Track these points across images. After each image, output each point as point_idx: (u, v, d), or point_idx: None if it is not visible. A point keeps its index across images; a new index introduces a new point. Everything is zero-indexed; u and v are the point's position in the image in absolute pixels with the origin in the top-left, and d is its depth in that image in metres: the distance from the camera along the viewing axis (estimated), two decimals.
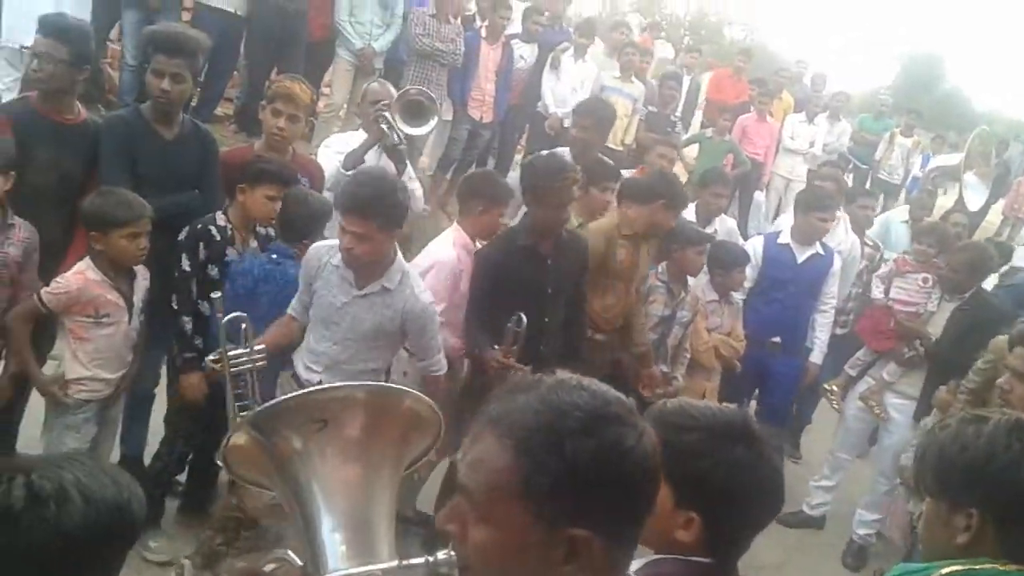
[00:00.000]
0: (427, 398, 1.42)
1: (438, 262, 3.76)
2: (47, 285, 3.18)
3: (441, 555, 1.16)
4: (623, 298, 4.32)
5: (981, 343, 4.14)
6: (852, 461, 5.33)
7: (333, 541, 1.30)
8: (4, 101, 3.46)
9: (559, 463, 1.05)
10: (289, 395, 1.37)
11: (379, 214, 3.04)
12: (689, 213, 5.50)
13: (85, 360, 3.20)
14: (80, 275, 3.17)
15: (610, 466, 1.06)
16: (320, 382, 3.15)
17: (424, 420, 1.40)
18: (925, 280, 4.91)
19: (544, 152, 4.38)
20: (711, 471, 1.47)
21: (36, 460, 1.43)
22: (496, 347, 3.65)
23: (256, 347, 3.09)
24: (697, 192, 5.59)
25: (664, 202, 4.30)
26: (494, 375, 3.56)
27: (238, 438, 1.37)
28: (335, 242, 3.22)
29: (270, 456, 1.36)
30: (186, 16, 6.38)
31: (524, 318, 3.61)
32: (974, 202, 8.71)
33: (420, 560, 1.21)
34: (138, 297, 3.34)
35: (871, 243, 5.95)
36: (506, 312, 3.64)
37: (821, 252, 5.14)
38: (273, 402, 1.37)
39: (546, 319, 3.78)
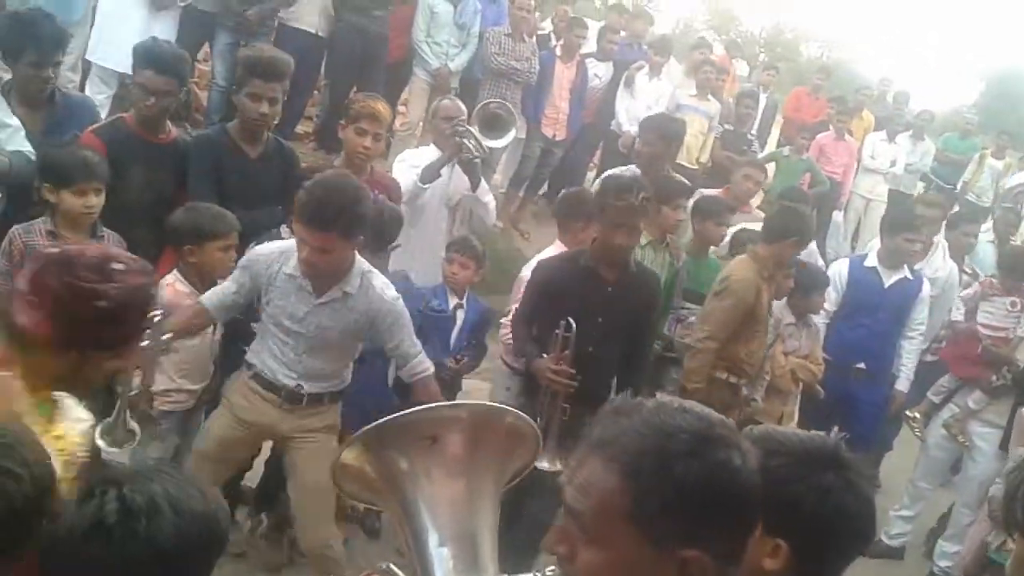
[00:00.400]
0: (526, 415, 1.45)
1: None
2: None
3: (549, 571, 1.19)
4: (763, 341, 4.33)
5: None
6: (933, 491, 5.14)
7: (440, 556, 1.34)
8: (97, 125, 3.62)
9: (668, 485, 1.07)
10: (399, 413, 1.40)
11: (341, 225, 2.88)
12: None
13: (171, 371, 3.28)
14: (170, 287, 3.28)
15: (718, 487, 1.08)
16: (299, 386, 3.14)
17: (523, 435, 1.44)
18: (1013, 304, 4.73)
19: (616, 169, 4.31)
20: (801, 497, 1.44)
21: (127, 473, 1.43)
22: (544, 355, 3.52)
23: (164, 336, 2.94)
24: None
25: (796, 239, 4.28)
26: (547, 385, 3.46)
27: (348, 455, 1.41)
28: (284, 246, 3.10)
29: (379, 473, 1.40)
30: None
31: (573, 324, 3.41)
32: None
33: (528, 575, 1.25)
34: None
35: (970, 271, 5.76)
36: (552, 330, 3.47)
37: (909, 277, 4.98)
38: (384, 420, 1.40)
39: (590, 349, 3.49)
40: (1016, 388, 4.56)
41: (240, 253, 3.43)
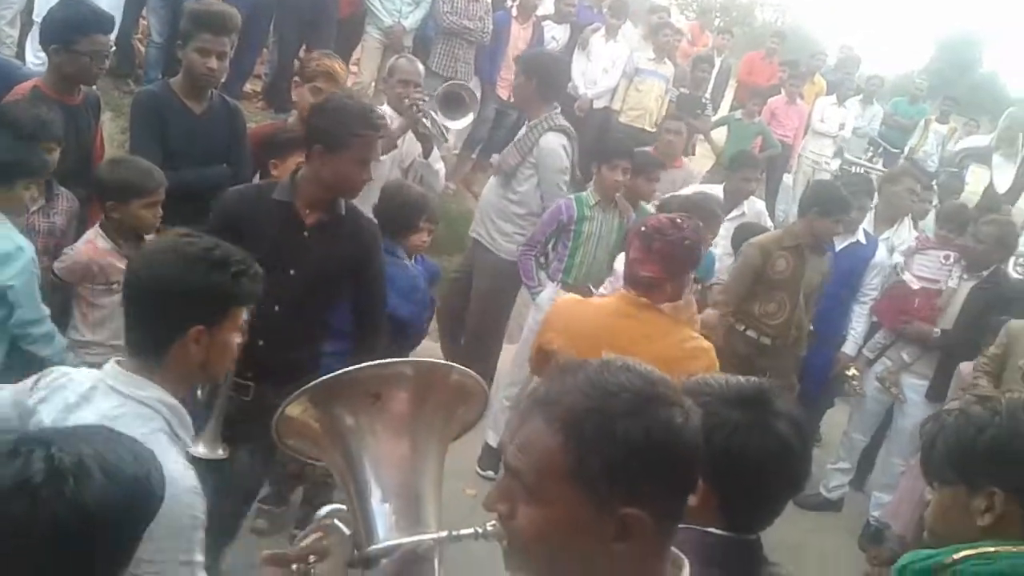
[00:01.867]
0: (473, 372, 1.45)
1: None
2: None
3: (490, 526, 1.19)
4: (786, 307, 4.45)
5: (998, 323, 4.21)
6: (866, 442, 5.30)
7: (383, 511, 1.34)
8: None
9: (610, 444, 1.08)
10: (344, 369, 1.40)
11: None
12: (718, 194, 5.51)
13: (94, 325, 3.23)
14: (90, 244, 3.21)
15: (660, 445, 1.09)
16: None
17: (469, 392, 1.44)
18: (947, 257, 4.85)
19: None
20: (709, 433, 1.43)
21: (57, 432, 1.39)
22: None
23: None
24: (727, 175, 5.56)
25: (816, 210, 4.51)
26: None
27: (292, 409, 1.40)
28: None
29: (323, 428, 1.39)
30: None
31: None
32: (1003, 183, 8.58)
33: (469, 531, 1.24)
34: None
35: (919, 232, 5.90)
36: None
37: (862, 241, 5.08)
38: (329, 376, 1.40)
39: (277, 308, 2.83)
40: (942, 340, 4.74)
41: (187, 212, 3.38)
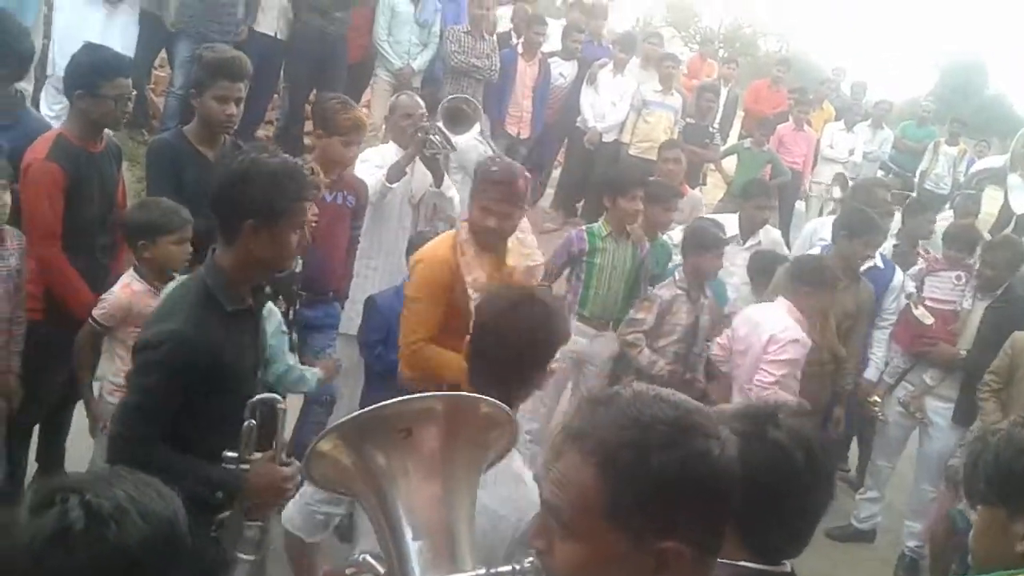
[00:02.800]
0: (500, 403, 1.44)
1: None
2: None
3: (527, 563, 1.17)
4: (825, 332, 4.36)
5: None
6: (893, 468, 5.21)
7: (417, 550, 1.32)
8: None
9: (645, 478, 1.06)
10: (375, 405, 1.38)
11: None
12: (732, 225, 5.49)
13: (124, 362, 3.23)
14: (127, 288, 3.25)
15: (696, 477, 1.07)
16: None
17: (498, 424, 1.43)
18: (959, 278, 4.80)
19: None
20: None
21: (84, 478, 1.40)
22: None
23: None
24: (740, 204, 5.55)
25: (844, 233, 4.54)
26: None
27: (323, 445, 1.39)
28: None
29: (354, 467, 1.38)
30: None
31: None
32: (1019, 204, 8.54)
33: (507, 568, 1.23)
34: None
35: (924, 251, 5.86)
36: None
37: (880, 265, 5.04)
38: (360, 412, 1.39)
39: None
40: (963, 362, 4.67)
41: (202, 258, 3.41)
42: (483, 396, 1.48)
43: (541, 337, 2.15)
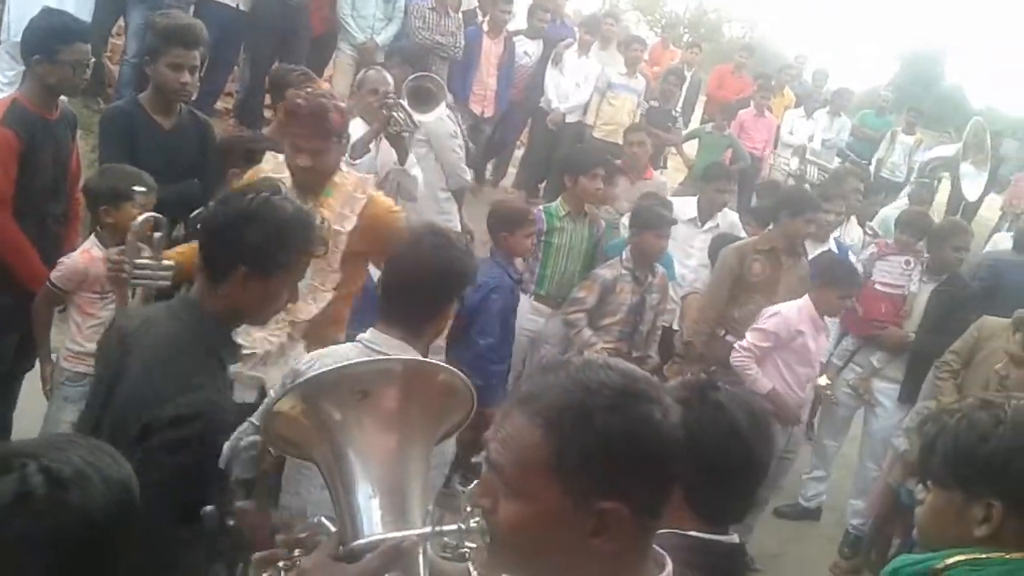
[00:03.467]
0: (460, 373, 1.46)
1: None
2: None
3: (473, 522, 1.19)
4: (759, 307, 4.46)
5: (960, 322, 4.32)
6: (838, 448, 5.34)
7: (369, 507, 1.35)
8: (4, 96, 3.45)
9: (589, 439, 1.09)
10: (333, 366, 1.42)
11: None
12: (691, 207, 5.56)
13: (89, 334, 3.21)
14: (86, 253, 3.22)
15: (638, 440, 1.10)
16: None
17: (456, 392, 1.45)
18: (907, 263, 4.93)
19: None
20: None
21: (38, 443, 1.39)
22: None
23: (165, 262, 2.83)
24: (700, 187, 5.61)
25: (786, 211, 4.61)
26: None
27: (283, 404, 1.41)
28: None
29: (311, 423, 1.40)
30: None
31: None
32: (972, 192, 8.73)
33: (453, 527, 1.26)
34: None
35: (871, 231, 5.99)
36: None
37: (834, 249, 5.14)
38: (317, 372, 1.42)
39: None
40: (914, 348, 4.80)
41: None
42: (442, 364, 1.51)
43: (445, 269, 2.26)
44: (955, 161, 8.36)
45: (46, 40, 3.32)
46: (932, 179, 8.91)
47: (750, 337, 4.32)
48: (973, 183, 8.42)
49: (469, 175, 5.60)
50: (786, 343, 4.31)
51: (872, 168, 10.19)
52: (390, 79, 4.66)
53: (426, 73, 4.87)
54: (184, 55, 3.50)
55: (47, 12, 3.50)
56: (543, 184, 8.42)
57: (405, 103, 4.40)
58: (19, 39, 5.34)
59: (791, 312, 4.33)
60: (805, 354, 4.34)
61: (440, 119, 4.83)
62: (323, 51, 7.11)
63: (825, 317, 4.45)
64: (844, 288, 4.35)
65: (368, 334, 2.26)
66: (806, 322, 4.31)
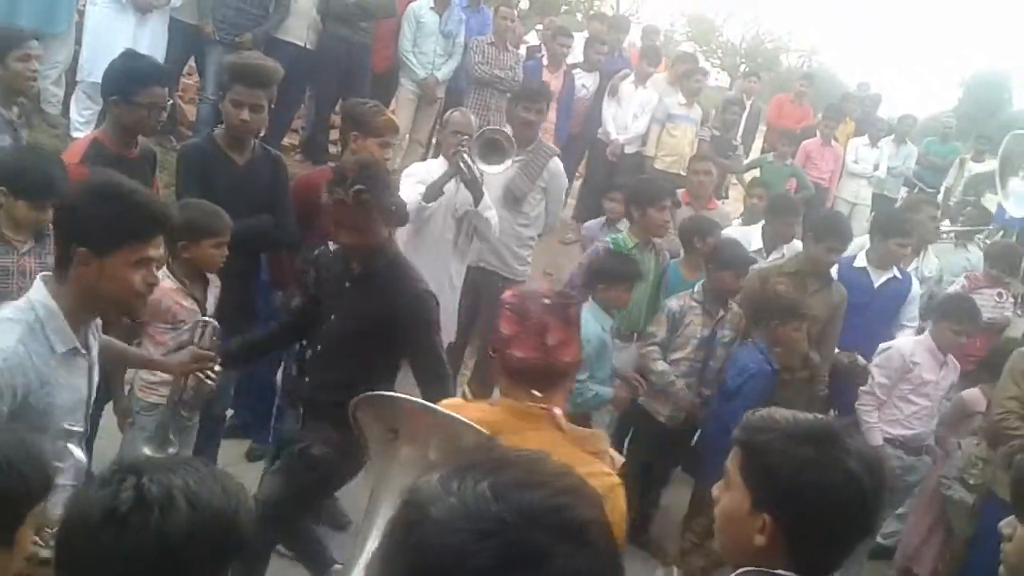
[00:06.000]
0: (494, 439, 1.45)
1: None
2: None
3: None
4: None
5: None
6: (919, 483, 5.13)
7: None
8: (82, 137, 3.57)
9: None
10: (384, 394, 1.43)
11: None
12: (756, 238, 5.47)
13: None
14: (160, 286, 3.25)
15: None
16: None
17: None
18: (1000, 295, 4.80)
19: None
20: (778, 469, 1.48)
21: (151, 462, 1.40)
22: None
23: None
24: (767, 219, 5.53)
25: (811, 235, 4.56)
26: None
27: (363, 404, 1.47)
28: None
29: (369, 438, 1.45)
30: None
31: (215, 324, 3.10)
32: (1018, 209, 8.39)
33: None
34: (211, 303, 3.44)
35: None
36: None
37: (899, 276, 5.01)
38: (370, 394, 1.46)
39: (319, 347, 3.27)
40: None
41: (235, 262, 3.44)
42: (475, 426, 1.47)
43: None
44: (1004, 173, 8.03)
45: (124, 83, 3.44)
46: (978, 197, 8.66)
47: (875, 376, 4.33)
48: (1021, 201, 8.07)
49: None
50: (901, 375, 4.24)
51: (940, 197, 9.95)
52: (474, 121, 4.74)
53: (499, 128, 4.91)
54: (245, 93, 3.58)
55: (127, 55, 3.62)
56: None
57: (475, 154, 4.44)
58: (94, 79, 5.62)
59: (905, 344, 4.32)
60: (921, 387, 4.29)
61: (563, 175, 5.04)
62: (385, 87, 7.22)
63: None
64: (960, 323, 4.28)
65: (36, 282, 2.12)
66: (923, 354, 4.29)
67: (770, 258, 5.38)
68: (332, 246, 3.33)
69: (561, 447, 1.81)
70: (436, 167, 4.54)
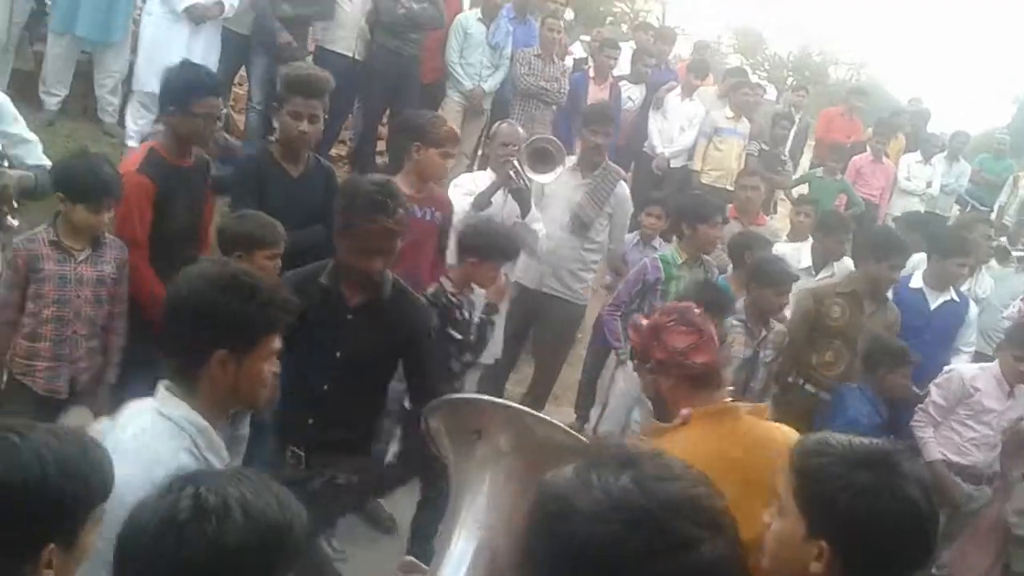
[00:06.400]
0: (582, 437, 1.43)
1: None
2: None
3: None
4: (844, 357, 4.34)
5: None
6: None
7: (461, 554, 1.34)
8: (140, 144, 3.65)
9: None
10: (463, 395, 1.44)
11: None
12: (805, 255, 5.38)
13: None
14: None
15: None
16: None
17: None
18: None
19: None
20: (835, 495, 1.44)
21: (209, 473, 1.44)
22: None
23: None
24: (817, 236, 5.43)
25: (872, 255, 4.49)
26: None
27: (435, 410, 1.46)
28: None
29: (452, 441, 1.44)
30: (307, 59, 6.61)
31: None
32: None
33: None
34: None
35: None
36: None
37: (956, 299, 4.88)
38: (448, 397, 1.47)
39: (326, 387, 2.93)
40: None
41: (286, 270, 3.46)
42: (562, 425, 1.47)
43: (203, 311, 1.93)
44: None
45: (181, 93, 3.49)
46: None
47: (932, 395, 4.25)
48: None
49: None
50: (959, 399, 4.14)
51: (994, 215, 9.72)
52: (521, 132, 4.75)
53: (547, 136, 4.92)
54: (303, 104, 3.62)
55: (183, 66, 3.67)
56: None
57: (524, 163, 4.46)
58: (149, 88, 5.71)
59: (967, 369, 4.24)
60: (982, 414, 4.19)
61: (628, 200, 5.02)
62: (432, 98, 7.23)
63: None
64: (1021, 350, 4.18)
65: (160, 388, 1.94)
66: (987, 381, 4.19)
67: (819, 276, 5.29)
68: (309, 274, 3.00)
69: (763, 427, 2.13)
70: (483, 178, 4.55)
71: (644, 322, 2.33)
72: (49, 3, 5.89)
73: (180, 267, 3.42)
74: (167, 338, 1.97)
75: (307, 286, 2.86)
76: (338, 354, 2.91)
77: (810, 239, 5.62)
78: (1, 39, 5.52)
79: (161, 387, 1.94)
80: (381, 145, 7.38)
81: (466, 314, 3.74)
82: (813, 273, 5.33)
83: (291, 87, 3.67)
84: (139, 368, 3.43)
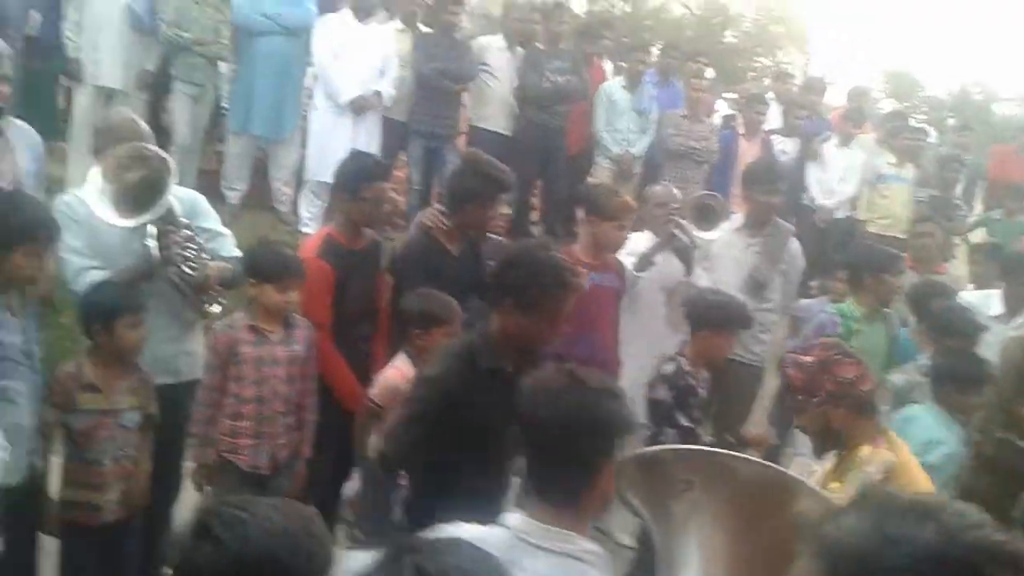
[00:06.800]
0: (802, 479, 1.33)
1: None
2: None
3: None
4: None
5: None
6: None
7: None
8: (312, 232, 3.86)
9: None
10: (666, 447, 1.38)
11: None
12: (996, 302, 5.01)
13: None
14: (398, 371, 3.42)
15: None
16: None
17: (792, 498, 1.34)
18: None
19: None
20: None
21: (426, 542, 1.42)
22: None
23: None
24: (1007, 280, 5.05)
25: None
26: None
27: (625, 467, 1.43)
28: None
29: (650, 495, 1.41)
30: (462, 140, 6.87)
31: None
32: None
33: None
34: None
35: None
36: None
37: None
38: (652, 449, 1.47)
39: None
40: None
41: None
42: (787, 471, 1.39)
43: (593, 421, 1.72)
44: None
45: (352, 180, 3.69)
46: None
47: None
48: None
49: None
50: None
51: None
52: (677, 193, 4.75)
53: (710, 192, 4.89)
54: (501, 200, 3.90)
55: (353, 155, 3.93)
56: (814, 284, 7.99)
57: (688, 221, 4.45)
58: (320, 178, 6.07)
59: None
60: None
61: (800, 255, 4.92)
62: (581, 167, 7.32)
63: None
64: None
65: (517, 520, 1.73)
66: None
67: (1013, 323, 4.89)
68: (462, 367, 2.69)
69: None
70: (642, 240, 4.53)
71: (807, 359, 2.44)
72: (226, 106, 6.43)
73: (357, 344, 3.64)
74: (534, 462, 1.81)
75: (470, 376, 2.63)
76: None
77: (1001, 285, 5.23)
78: (187, 142, 6.05)
79: (520, 519, 1.75)
80: (534, 216, 7.49)
81: (702, 391, 3.63)
82: (1006, 320, 4.93)
83: (497, 186, 3.84)
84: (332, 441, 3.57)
